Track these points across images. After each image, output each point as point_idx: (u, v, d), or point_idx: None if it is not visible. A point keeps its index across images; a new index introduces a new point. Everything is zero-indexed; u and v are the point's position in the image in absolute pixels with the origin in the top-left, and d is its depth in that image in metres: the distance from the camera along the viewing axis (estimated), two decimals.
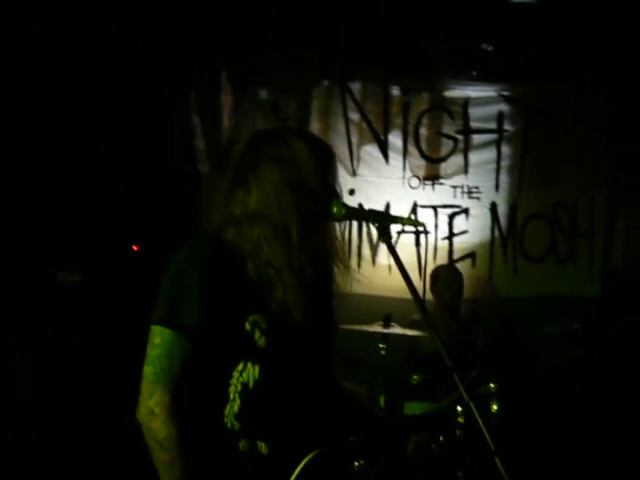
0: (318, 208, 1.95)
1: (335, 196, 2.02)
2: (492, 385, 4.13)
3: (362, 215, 2.14)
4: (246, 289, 1.89)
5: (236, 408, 1.87)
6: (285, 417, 1.93)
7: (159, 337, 1.81)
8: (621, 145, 5.54)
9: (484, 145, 5.43)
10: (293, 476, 1.89)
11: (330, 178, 2.03)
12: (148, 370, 1.81)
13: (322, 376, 2.08)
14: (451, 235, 5.38)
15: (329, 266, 2.09)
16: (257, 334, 1.88)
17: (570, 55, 5.20)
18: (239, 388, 1.88)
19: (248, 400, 1.88)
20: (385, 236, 1.99)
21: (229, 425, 1.87)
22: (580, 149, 5.49)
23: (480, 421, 1.79)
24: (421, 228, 4.90)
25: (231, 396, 1.87)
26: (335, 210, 1.98)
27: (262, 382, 1.88)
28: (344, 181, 5.31)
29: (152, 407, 1.78)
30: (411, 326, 4.58)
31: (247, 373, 1.88)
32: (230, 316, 1.85)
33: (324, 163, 2.02)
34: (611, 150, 5.57)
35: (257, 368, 1.88)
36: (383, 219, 2.00)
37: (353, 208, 2.07)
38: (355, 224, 5.20)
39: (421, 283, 5.14)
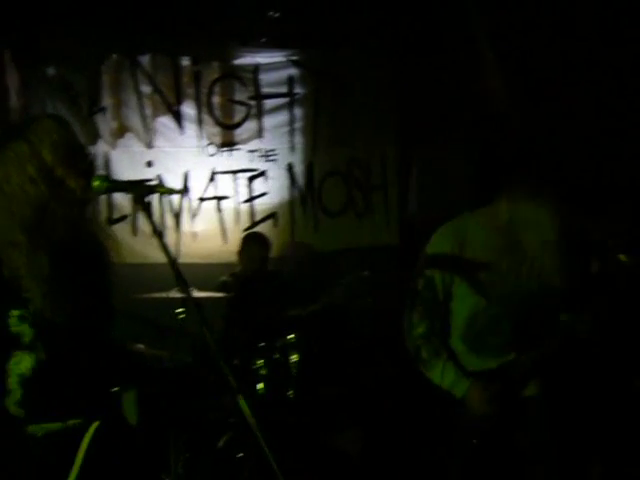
0: (65, 198, 2.04)
1: (88, 175, 2.11)
2: (291, 337, 4.40)
3: (122, 187, 2.25)
4: (5, 286, 1.98)
5: (18, 396, 1.98)
6: (66, 397, 2.05)
7: None
8: (409, 102, 5.90)
9: (277, 109, 5.61)
10: (80, 452, 2.01)
11: (76, 160, 2.11)
12: None
13: (99, 354, 2.18)
14: (251, 198, 5.55)
15: (97, 249, 2.19)
16: (24, 327, 1.98)
17: (353, 21, 5.45)
18: (17, 379, 1.99)
19: (28, 388, 1.99)
20: (141, 205, 2.10)
21: (15, 413, 1.98)
22: (369, 108, 5.81)
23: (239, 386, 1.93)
24: (177, 195, 5.02)
25: (12, 387, 1.98)
26: (96, 185, 2.07)
27: (39, 369, 1.99)
28: (140, 154, 5.44)
29: None
30: (222, 289, 4.76)
31: (23, 363, 1.99)
32: None
33: (68, 148, 2.10)
34: (400, 107, 5.92)
35: (32, 357, 1.99)
36: (140, 189, 2.11)
37: (114, 181, 2.19)
38: (156, 195, 5.25)
39: (226, 248, 5.36)
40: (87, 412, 2.07)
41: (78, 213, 2.11)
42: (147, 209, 2.12)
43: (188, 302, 2.09)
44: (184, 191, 5.26)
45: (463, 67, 5.66)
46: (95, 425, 2.06)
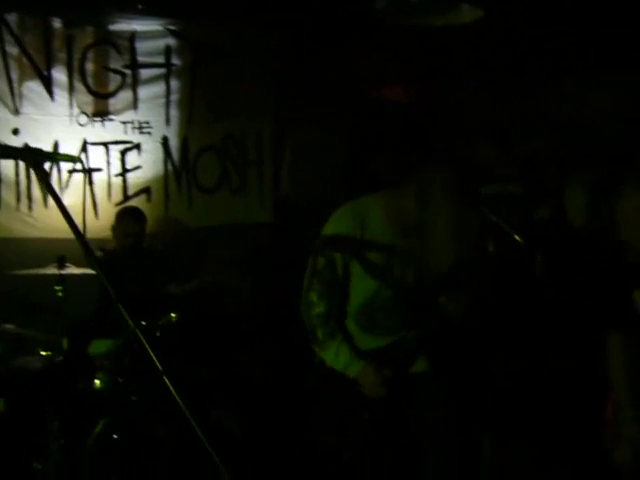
0: None
1: None
2: (173, 315, 4.29)
3: (14, 152, 2.09)
4: None
5: None
6: None
7: None
8: (288, 81, 5.87)
9: (153, 80, 5.40)
10: None
11: None
12: None
13: None
14: (124, 171, 5.32)
15: None
16: None
17: None
18: None
19: None
20: (40, 173, 1.97)
21: None
22: (247, 84, 5.71)
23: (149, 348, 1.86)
24: (79, 165, 4.81)
25: None
26: None
27: None
28: (6, 121, 5.11)
29: None
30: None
31: None
32: None
33: None
34: (279, 85, 5.88)
35: None
36: (34, 155, 1.96)
37: (4, 146, 2.02)
38: (22, 165, 4.95)
39: (97, 223, 5.15)
40: None
41: None
42: (45, 178, 1.99)
43: (94, 268, 1.97)
44: (80, 159, 4.97)
45: (344, 51, 5.71)
46: None
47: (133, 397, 3.92)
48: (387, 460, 3.23)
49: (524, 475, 3.93)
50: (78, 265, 4.06)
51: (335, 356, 3.12)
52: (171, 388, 1.77)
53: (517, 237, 3.02)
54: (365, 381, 3.10)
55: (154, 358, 1.79)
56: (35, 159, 1.93)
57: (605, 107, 4.81)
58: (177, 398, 1.74)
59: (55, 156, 1.98)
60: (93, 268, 1.93)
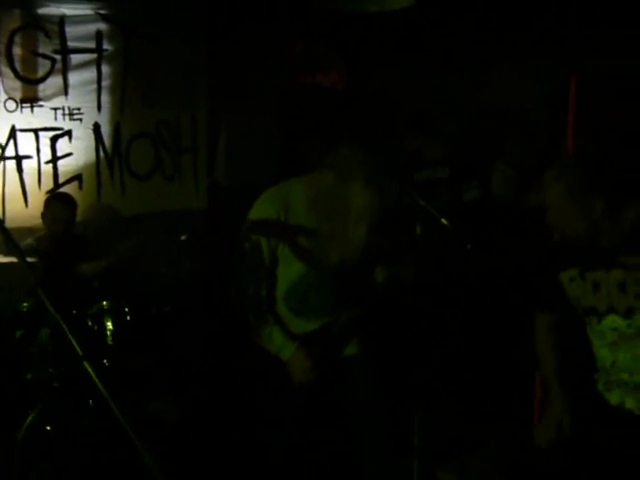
0: None
1: None
2: (105, 303, 4.26)
3: None
4: None
5: None
6: None
7: None
8: (221, 66, 5.85)
9: (83, 65, 5.30)
10: None
11: None
12: None
13: None
14: (55, 159, 5.22)
15: None
16: None
17: None
18: None
19: None
20: None
21: None
22: (180, 69, 5.68)
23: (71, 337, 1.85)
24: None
25: None
26: None
27: None
28: None
29: None
30: (27, 253, 4.49)
31: None
32: None
33: None
34: (211, 70, 5.85)
35: None
36: None
37: None
38: None
39: (27, 211, 5.06)
40: None
41: None
42: None
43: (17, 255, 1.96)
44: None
45: (278, 35, 5.71)
46: None
47: (57, 385, 3.86)
48: (320, 445, 3.28)
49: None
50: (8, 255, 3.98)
51: (269, 339, 3.15)
52: (92, 374, 1.76)
53: (444, 221, 3.09)
54: (295, 366, 3.13)
55: (75, 344, 1.79)
56: None
57: (530, 94, 4.94)
58: (98, 384, 1.74)
59: None
60: (14, 255, 1.92)
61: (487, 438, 4.16)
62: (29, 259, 4.33)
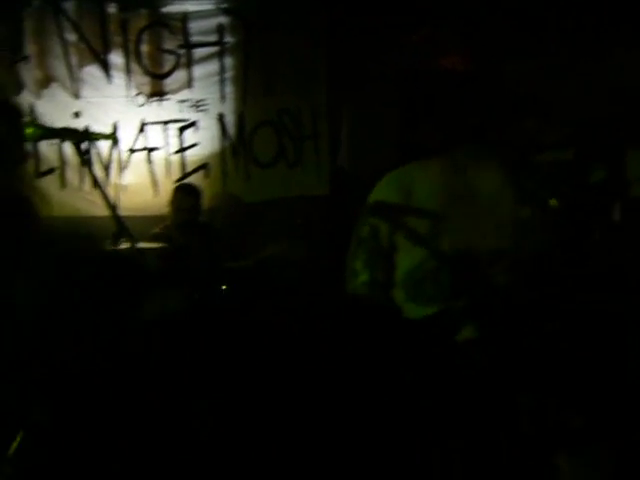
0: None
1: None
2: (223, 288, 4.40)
3: (55, 133, 2.23)
4: None
5: None
6: None
7: None
8: (341, 50, 5.89)
9: (207, 58, 5.53)
10: None
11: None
12: None
13: None
14: (182, 149, 5.49)
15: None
16: None
17: None
18: None
19: None
20: (79, 152, 2.11)
21: None
22: (299, 57, 5.77)
23: None
24: (107, 147, 4.92)
25: None
26: (30, 132, 2.06)
27: None
28: (67, 104, 5.32)
29: None
30: (154, 241, 4.75)
31: None
32: None
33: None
34: (331, 55, 5.91)
35: None
36: (74, 135, 2.10)
37: (48, 128, 2.17)
38: (84, 146, 5.15)
39: (157, 200, 5.33)
40: None
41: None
42: (83, 156, 2.13)
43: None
44: (115, 137, 5.15)
45: (397, 15, 5.68)
46: None
47: None
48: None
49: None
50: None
51: None
52: None
53: (552, 201, 2.98)
54: None
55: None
56: (74, 138, 2.06)
57: None
58: None
59: (91, 135, 2.10)
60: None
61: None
62: (157, 245, 4.62)
